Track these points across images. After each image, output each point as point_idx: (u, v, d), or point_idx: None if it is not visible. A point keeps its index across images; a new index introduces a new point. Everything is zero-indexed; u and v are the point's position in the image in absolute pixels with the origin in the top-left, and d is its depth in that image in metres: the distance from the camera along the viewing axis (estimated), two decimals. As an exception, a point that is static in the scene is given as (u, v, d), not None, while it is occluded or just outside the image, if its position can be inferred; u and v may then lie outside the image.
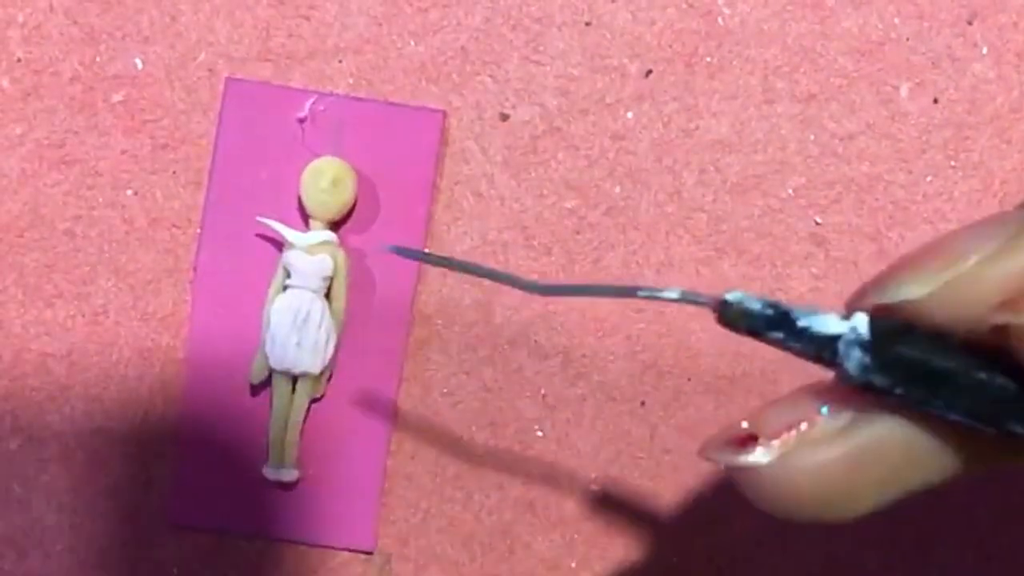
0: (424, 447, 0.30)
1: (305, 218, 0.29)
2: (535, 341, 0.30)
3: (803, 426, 0.19)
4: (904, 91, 0.30)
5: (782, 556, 0.30)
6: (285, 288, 0.29)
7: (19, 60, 0.30)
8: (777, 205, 0.30)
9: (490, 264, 0.30)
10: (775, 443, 0.19)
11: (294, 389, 0.29)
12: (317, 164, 0.29)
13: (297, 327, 0.28)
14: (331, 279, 0.29)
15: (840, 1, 0.30)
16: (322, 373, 0.29)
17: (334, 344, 0.29)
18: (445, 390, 0.30)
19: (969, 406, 0.18)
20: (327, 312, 0.29)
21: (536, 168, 0.30)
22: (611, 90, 0.30)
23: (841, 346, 0.18)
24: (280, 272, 0.29)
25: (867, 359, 0.18)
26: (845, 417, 0.19)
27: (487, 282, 0.30)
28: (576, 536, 0.30)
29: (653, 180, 0.30)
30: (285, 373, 0.29)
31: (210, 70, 0.30)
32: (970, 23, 0.30)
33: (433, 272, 0.30)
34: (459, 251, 0.30)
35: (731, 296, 0.19)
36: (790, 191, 0.30)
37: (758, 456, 0.19)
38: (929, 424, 0.19)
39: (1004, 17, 0.30)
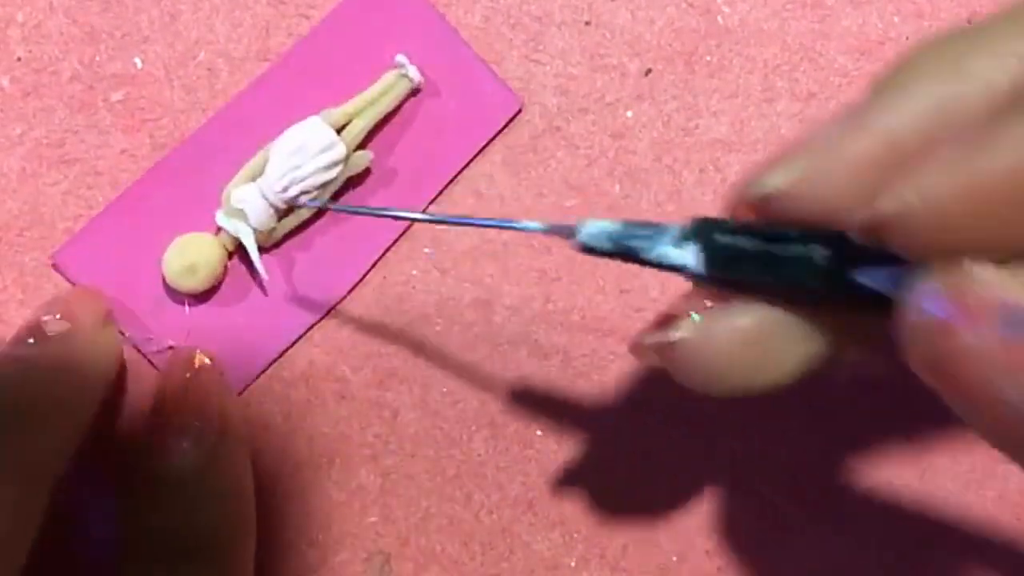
0: (424, 447, 0.30)
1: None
2: (535, 341, 0.30)
3: (707, 303, 0.21)
4: (904, 90, 0.30)
5: (782, 556, 0.30)
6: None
7: (19, 59, 0.30)
8: (777, 204, 0.30)
9: (490, 265, 0.30)
10: (694, 315, 0.21)
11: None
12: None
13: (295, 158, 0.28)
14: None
15: (840, 1, 0.30)
16: None
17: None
18: (445, 390, 0.30)
19: (796, 277, 0.19)
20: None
21: (536, 168, 0.30)
22: (611, 89, 0.30)
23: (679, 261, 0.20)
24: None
25: (703, 260, 0.20)
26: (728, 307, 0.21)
27: (487, 282, 0.30)
28: (575, 536, 0.30)
29: (653, 179, 0.30)
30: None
31: (209, 70, 0.30)
32: (969, 22, 0.30)
33: (433, 272, 0.30)
34: (459, 250, 0.30)
35: (584, 234, 0.21)
36: (790, 190, 0.30)
37: (681, 330, 0.21)
38: (789, 305, 0.20)
39: (1003, 16, 0.30)
